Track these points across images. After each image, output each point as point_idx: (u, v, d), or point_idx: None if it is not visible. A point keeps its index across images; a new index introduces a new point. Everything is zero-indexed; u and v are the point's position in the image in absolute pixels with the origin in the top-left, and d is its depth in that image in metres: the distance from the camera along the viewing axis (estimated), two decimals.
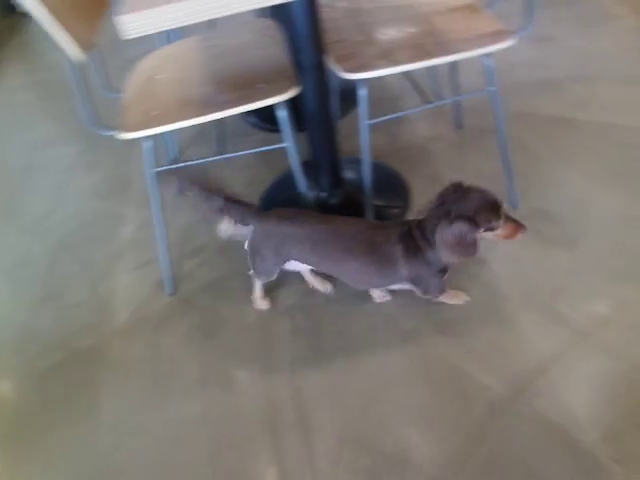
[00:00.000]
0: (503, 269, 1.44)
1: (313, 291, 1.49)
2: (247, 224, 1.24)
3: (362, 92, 1.31)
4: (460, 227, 1.08)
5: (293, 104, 1.28)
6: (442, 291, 1.30)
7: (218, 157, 1.63)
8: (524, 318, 1.33)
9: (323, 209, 1.63)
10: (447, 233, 1.09)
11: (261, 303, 1.46)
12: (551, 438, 1.12)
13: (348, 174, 1.70)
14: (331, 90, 1.46)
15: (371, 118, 1.36)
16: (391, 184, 1.74)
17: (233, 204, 1.22)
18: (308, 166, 1.52)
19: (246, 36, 1.52)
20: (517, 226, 1.12)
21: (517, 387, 1.21)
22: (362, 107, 1.34)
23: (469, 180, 1.15)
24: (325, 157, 1.59)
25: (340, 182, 1.65)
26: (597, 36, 2.27)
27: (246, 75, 1.34)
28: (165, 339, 1.46)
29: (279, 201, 1.74)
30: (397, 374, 1.27)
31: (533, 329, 1.30)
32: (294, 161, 1.37)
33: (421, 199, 1.67)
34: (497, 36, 1.31)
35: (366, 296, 1.44)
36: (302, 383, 1.30)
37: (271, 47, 1.44)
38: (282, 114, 1.29)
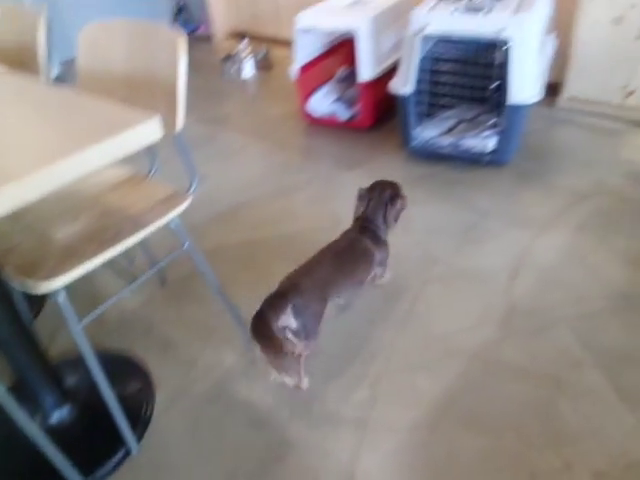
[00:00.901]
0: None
1: None
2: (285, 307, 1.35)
3: (61, 299, 1.24)
4: (400, 203, 1.69)
5: None
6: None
7: None
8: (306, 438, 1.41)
9: (56, 436, 1.43)
10: (394, 211, 1.66)
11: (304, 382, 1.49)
12: None
13: (72, 379, 1.54)
14: (17, 299, 1.33)
15: (79, 317, 1.29)
16: (125, 367, 1.65)
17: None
18: (19, 390, 1.33)
19: None
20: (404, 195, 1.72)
21: None
22: (67, 314, 1.25)
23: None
24: (35, 374, 1.41)
25: (67, 394, 1.49)
26: (239, 163, 2.67)
27: None
28: None
29: None
30: None
31: (321, 442, 1.39)
32: None
33: (159, 369, 1.63)
34: (174, 199, 1.43)
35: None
36: None
37: None
38: None
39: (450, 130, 2.48)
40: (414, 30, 2.18)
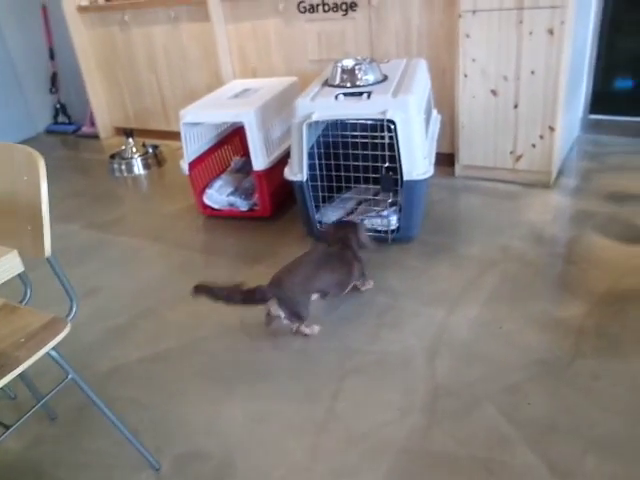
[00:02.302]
0: None
1: None
2: (269, 298, 1.94)
3: None
4: (365, 228, 2.22)
5: None
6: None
7: None
8: None
9: None
10: (364, 234, 2.16)
11: (313, 328, 2.03)
12: None
13: None
14: None
15: None
16: None
17: (249, 293, 1.92)
18: None
19: None
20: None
21: None
22: None
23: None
24: None
25: None
26: (135, 269, 2.63)
27: None
28: None
29: None
30: None
31: None
32: None
33: None
34: (51, 328, 1.37)
35: None
36: None
37: None
38: None
39: (351, 212, 2.59)
40: (300, 118, 2.32)
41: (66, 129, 4.99)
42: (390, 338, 1.99)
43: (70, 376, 1.42)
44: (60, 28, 4.57)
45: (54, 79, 4.93)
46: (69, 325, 1.38)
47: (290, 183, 2.48)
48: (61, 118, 5.07)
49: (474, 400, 1.70)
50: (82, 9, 4.24)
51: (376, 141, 2.32)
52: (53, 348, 1.36)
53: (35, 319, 1.43)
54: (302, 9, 3.29)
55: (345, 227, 2.19)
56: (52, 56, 4.84)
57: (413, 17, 2.99)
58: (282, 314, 1.96)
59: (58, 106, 5.03)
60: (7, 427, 1.72)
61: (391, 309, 2.13)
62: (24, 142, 4.85)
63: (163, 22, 3.92)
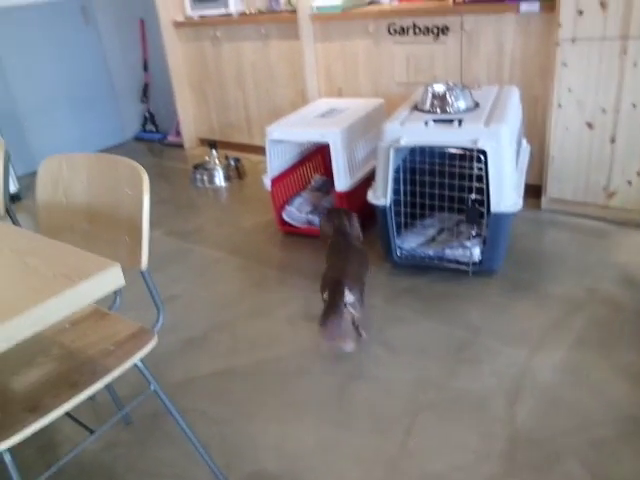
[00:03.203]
0: None
1: None
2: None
3: (8, 459, 1.18)
4: (355, 218, 2.39)
5: None
6: None
7: None
8: None
9: None
10: (356, 224, 2.37)
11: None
12: None
13: None
14: None
15: (29, 477, 1.22)
16: None
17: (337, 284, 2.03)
18: None
19: None
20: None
21: None
22: (13, 475, 1.19)
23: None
24: None
25: None
26: (212, 280, 2.68)
27: None
28: None
29: None
30: None
31: None
32: None
33: None
34: (139, 338, 1.41)
35: None
36: None
37: None
38: None
39: (432, 239, 2.54)
40: (388, 142, 2.30)
41: (153, 137, 5.18)
42: (468, 375, 1.92)
43: (152, 387, 1.45)
44: (155, 41, 4.78)
45: (146, 89, 5.14)
46: (156, 337, 1.40)
47: (372, 206, 2.46)
48: (149, 127, 5.27)
49: (557, 452, 1.60)
50: (178, 24, 4.41)
51: (464, 170, 2.27)
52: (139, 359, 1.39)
53: (123, 327, 1.47)
54: (392, 31, 3.29)
55: (337, 214, 2.38)
56: (146, 68, 5.06)
57: (506, 42, 2.93)
58: (351, 300, 1.99)
59: (147, 115, 5.24)
60: (90, 430, 1.78)
61: (471, 345, 2.06)
62: (114, 148, 5.09)
63: (253, 39, 4.02)
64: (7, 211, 1.76)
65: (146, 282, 1.37)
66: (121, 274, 1.03)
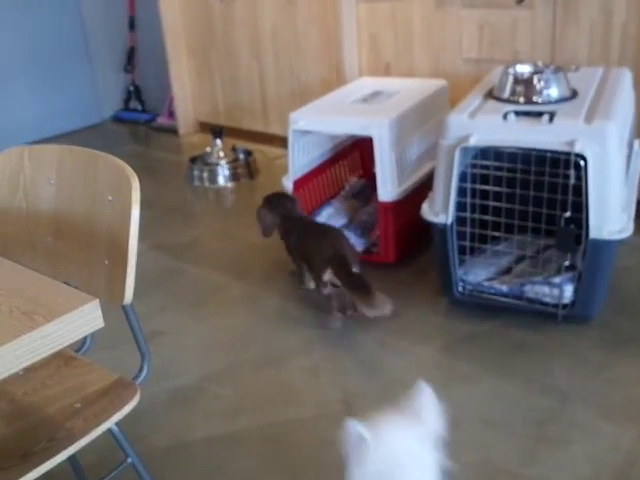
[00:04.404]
0: None
1: None
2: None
3: None
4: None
5: None
6: None
7: None
8: None
9: None
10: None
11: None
12: None
13: None
14: None
15: None
16: None
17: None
18: None
19: None
20: None
21: None
22: None
23: None
24: None
25: None
26: (211, 313, 2.67)
27: None
28: None
29: None
30: None
31: None
32: None
33: None
34: (115, 393, 1.40)
35: None
36: None
37: None
38: None
39: (506, 271, 2.50)
40: (452, 140, 2.27)
41: (138, 118, 5.24)
42: (553, 460, 1.87)
43: (130, 460, 1.43)
44: None
45: (131, 55, 5.21)
46: (138, 392, 1.39)
47: (427, 224, 2.43)
48: (133, 104, 5.34)
49: None
50: None
51: (555, 180, 2.23)
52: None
53: (95, 377, 1.46)
54: None
55: (278, 200, 2.75)
56: (132, 26, 5.12)
57: (616, 11, 2.89)
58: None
59: (131, 88, 5.30)
60: None
61: (556, 417, 2.01)
62: (86, 130, 5.15)
63: None
64: None
65: (129, 319, 1.36)
66: (99, 313, 1.02)
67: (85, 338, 1.59)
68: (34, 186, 1.47)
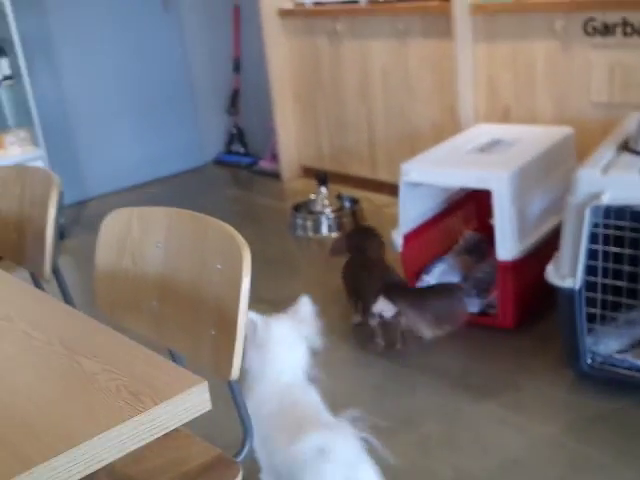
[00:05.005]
0: None
1: None
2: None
3: None
4: None
5: None
6: None
7: None
8: None
9: None
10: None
11: None
12: None
13: None
14: None
15: None
16: None
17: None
18: None
19: None
20: None
21: None
22: None
23: None
24: None
25: None
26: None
27: None
28: None
29: None
30: None
31: None
32: None
33: None
34: (217, 469, 1.41)
35: None
36: None
37: None
38: None
39: None
40: (582, 197, 2.21)
41: (240, 161, 5.37)
42: None
43: None
44: (252, 35, 4.98)
45: (235, 97, 5.37)
46: (241, 473, 1.39)
47: (552, 288, 2.35)
48: (236, 147, 5.47)
49: None
50: (285, 13, 4.59)
51: None
52: None
53: (195, 451, 1.47)
54: (590, 30, 3.21)
55: (359, 231, 3.09)
56: (237, 68, 5.29)
57: None
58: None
59: (235, 131, 5.45)
60: None
61: None
62: (188, 173, 5.32)
63: (386, 35, 4.09)
64: (54, 272, 1.85)
65: (234, 395, 1.37)
66: (207, 396, 1.03)
67: None
68: (141, 248, 1.51)
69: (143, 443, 1.00)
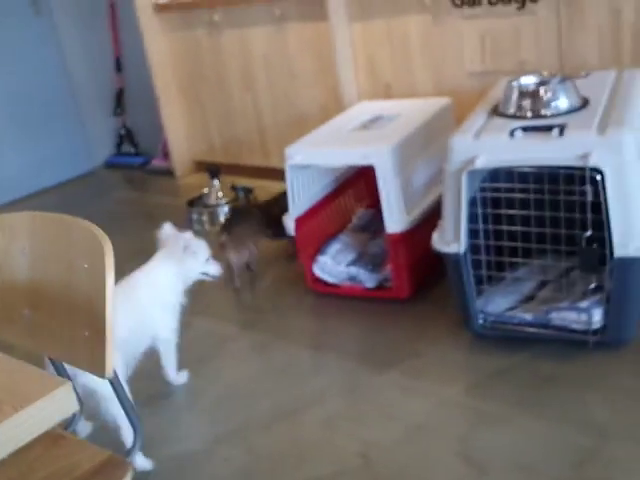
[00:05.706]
0: None
1: None
2: None
3: None
4: None
5: None
6: None
7: None
8: None
9: None
10: None
11: None
12: None
13: None
14: None
15: None
16: None
17: None
18: None
19: None
20: None
21: None
22: None
23: None
24: None
25: None
26: (217, 366, 2.65)
27: None
28: None
29: None
30: None
31: None
32: None
33: None
34: (108, 471, 1.39)
35: None
36: None
37: None
38: None
39: (530, 298, 2.47)
40: (457, 164, 2.26)
41: (132, 162, 5.28)
42: None
43: None
44: (131, 32, 4.88)
45: (119, 97, 5.26)
46: (130, 471, 1.37)
47: (440, 255, 2.41)
48: (126, 147, 5.39)
49: None
50: (161, 7, 4.52)
51: (572, 198, 2.20)
52: None
53: (85, 456, 1.45)
54: (458, 2, 3.29)
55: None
56: (119, 68, 5.19)
57: (624, 9, 2.89)
58: None
59: (123, 132, 5.35)
60: None
61: (595, 456, 1.96)
62: (78, 179, 5.19)
63: (264, 22, 4.08)
64: None
65: (116, 392, 1.35)
66: (73, 396, 1.01)
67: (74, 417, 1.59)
68: (6, 257, 1.47)
69: (12, 450, 0.97)
